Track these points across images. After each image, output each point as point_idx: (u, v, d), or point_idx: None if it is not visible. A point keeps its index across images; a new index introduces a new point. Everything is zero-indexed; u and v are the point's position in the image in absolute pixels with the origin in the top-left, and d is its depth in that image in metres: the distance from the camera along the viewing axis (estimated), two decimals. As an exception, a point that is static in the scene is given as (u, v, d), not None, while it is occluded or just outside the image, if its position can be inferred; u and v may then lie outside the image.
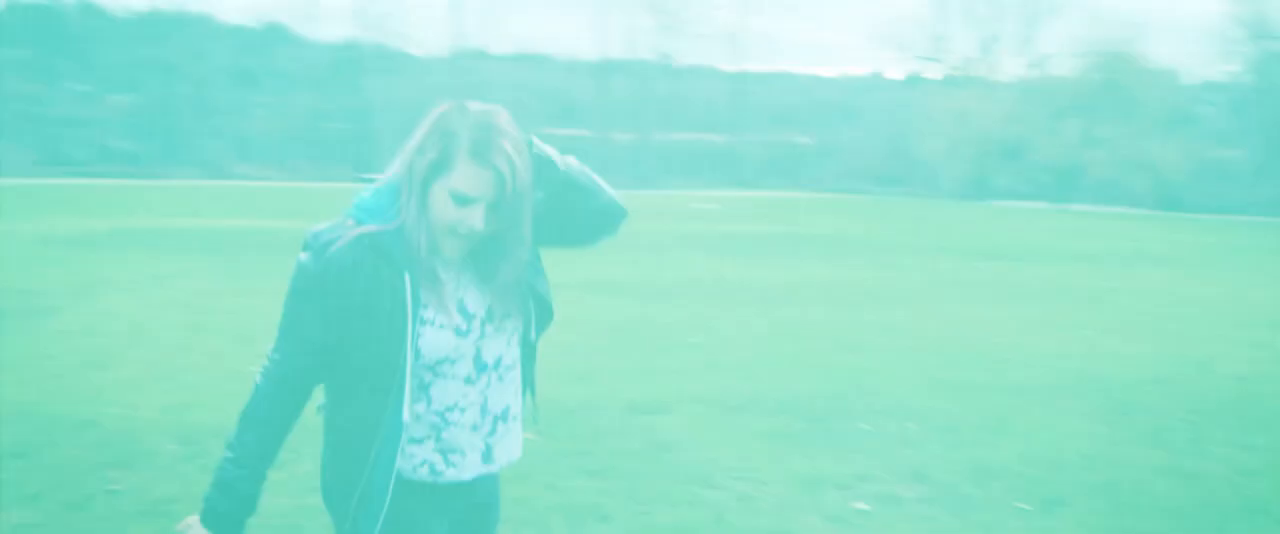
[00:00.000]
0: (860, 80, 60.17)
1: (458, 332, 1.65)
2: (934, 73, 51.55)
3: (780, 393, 5.88)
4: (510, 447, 1.79)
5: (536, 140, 1.66)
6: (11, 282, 9.70)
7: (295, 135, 49.86)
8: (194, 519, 1.65)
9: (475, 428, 1.71)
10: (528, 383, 1.85)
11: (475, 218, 1.56)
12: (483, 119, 1.56)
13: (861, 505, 4.01)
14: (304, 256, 1.60)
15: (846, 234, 21.16)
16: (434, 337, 1.62)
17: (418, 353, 1.61)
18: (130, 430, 4.72)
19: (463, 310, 1.66)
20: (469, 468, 1.73)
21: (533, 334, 1.78)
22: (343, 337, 1.60)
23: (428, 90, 51.88)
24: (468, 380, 1.68)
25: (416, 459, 1.69)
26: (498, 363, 1.72)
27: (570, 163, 1.71)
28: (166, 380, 5.81)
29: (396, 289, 1.57)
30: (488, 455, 1.74)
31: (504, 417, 1.75)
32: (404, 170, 1.60)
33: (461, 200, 1.55)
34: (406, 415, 1.62)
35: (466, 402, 1.69)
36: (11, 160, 43.66)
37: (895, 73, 59.46)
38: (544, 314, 1.78)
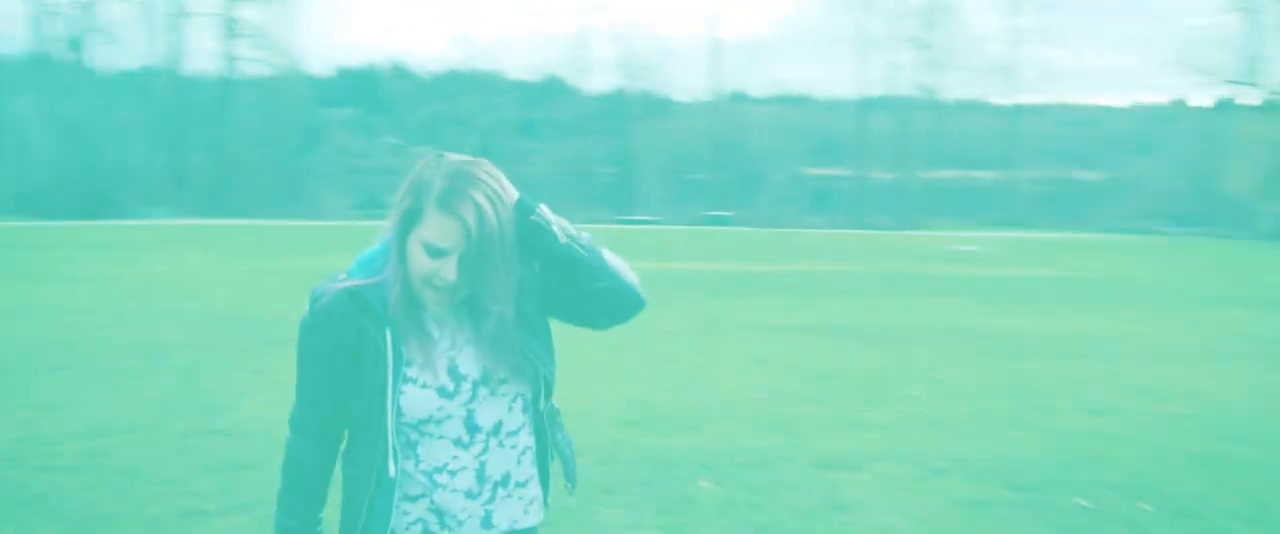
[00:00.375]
0: (1157, 109, 54.35)
1: (442, 392, 1.59)
2: (1249, 98, 45.42)
3: (993, 457, 5.32)
4: (514, 513, 1.71)
5: (544, 209, 1.60)
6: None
7: (566, 179, 53.13)
8: None
9: (471, 494, 1.65)
10: (552, 449, 1.77)
11: (448, 270, 1.51)
12: (455, 169, 1.52)
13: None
14: (305, 311, 1.62)
15: (1128, 279, 19.02)
16: (416, 395, 1.58)
17: (399, 410, 1.58)
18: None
19: (453, 371, 1.61)
20: (466, 533, 1.67)
21: (542, 402, 1.71)
22: (339, 389, 1.60)
23: (689, 134, 53.48)
24: (459, 443, 1.63)
25: (411, 517, 1.66)
26: (497, 428, 1.66)
27: (579, 237, 1.63)
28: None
29: (378, 344, 1.56)
30: (487, 522, 1.67)
31: (504, 483, 1.68)
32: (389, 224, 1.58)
33: (433, 252, 1.51)
34: (392, 471, 1.60)
35: (458, 465, 1.64)
36: (332, 206, 50.20)
37: (1202, 99, 53.05)
38: (542, 383, 1.70)
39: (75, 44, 45.15)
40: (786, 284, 16.51)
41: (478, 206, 1.49)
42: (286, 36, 52.07)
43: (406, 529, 1.66)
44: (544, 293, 1.66)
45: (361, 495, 1.63)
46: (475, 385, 1.62)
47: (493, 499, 1.67)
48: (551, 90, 59.28)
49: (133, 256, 19.68)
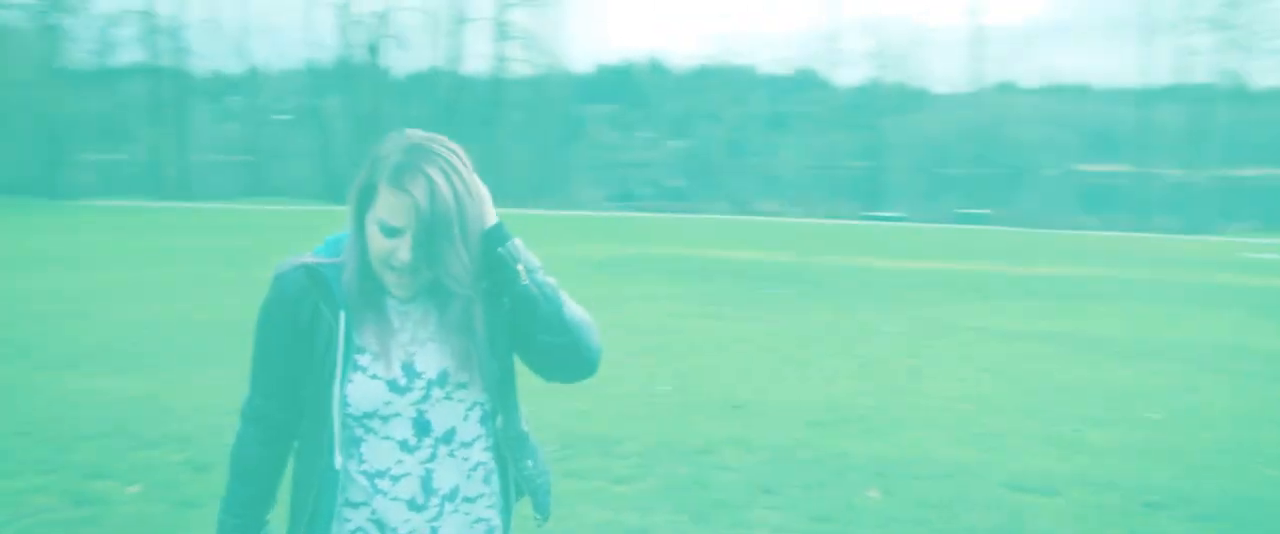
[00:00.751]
0: None
1: (392, 385, 1.48)
2: None
3: (1226, 493, 4.64)
4: (463, 530, 1.55)
5: (517, 244, 1.49)
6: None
7: (813, 173, 52.32)
8: None
9: (414, 506, 1.51)
10: (515, 479, 1.62)
11: (402, 249, 1.40)
12: (410, 144, 1.41)
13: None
14: (266, 291, 1.52)
15: None
16: (364, 385, 1.46)
17: (345, 400, 1.47)
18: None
19: (408, 366, 1.49)
20: None
21: (499, 420, 1.57)
22: (295, 375, 1.50)
23: (945, 126, 50.78)
24: (404, 446, 1.50)
25: (352, 524, 1.53)
26: (449, 435, 1.52)
27: (544, 284, 1.50)
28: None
29: (331, 327, 1.46)
30: None
31: (452, 497, 1.53)
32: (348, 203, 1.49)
33: (387, 230, 1.40)
34: (339, 463, 1.48)
35: (402, 471, 1.50)
36: (588, 197, 52.76)
37: None
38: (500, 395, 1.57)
39: (372, 49, 50.61)
40: (1039, 288, 15.26)
41: (430, 182, 1.38)
42: (551, 38, 55.07)
43: None
44: (511, 330, 1.53)
45: (307, 492, 1.51)
46: (430, 385, 1.50)
47: (439, 515, 1.52)
48: (802, 84, 58.57)
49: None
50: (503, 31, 53.70)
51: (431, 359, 1.50)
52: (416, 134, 1.45)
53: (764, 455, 5.05)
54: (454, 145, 1.45)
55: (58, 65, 39.72)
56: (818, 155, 52.72)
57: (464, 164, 1.44)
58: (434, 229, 1.39)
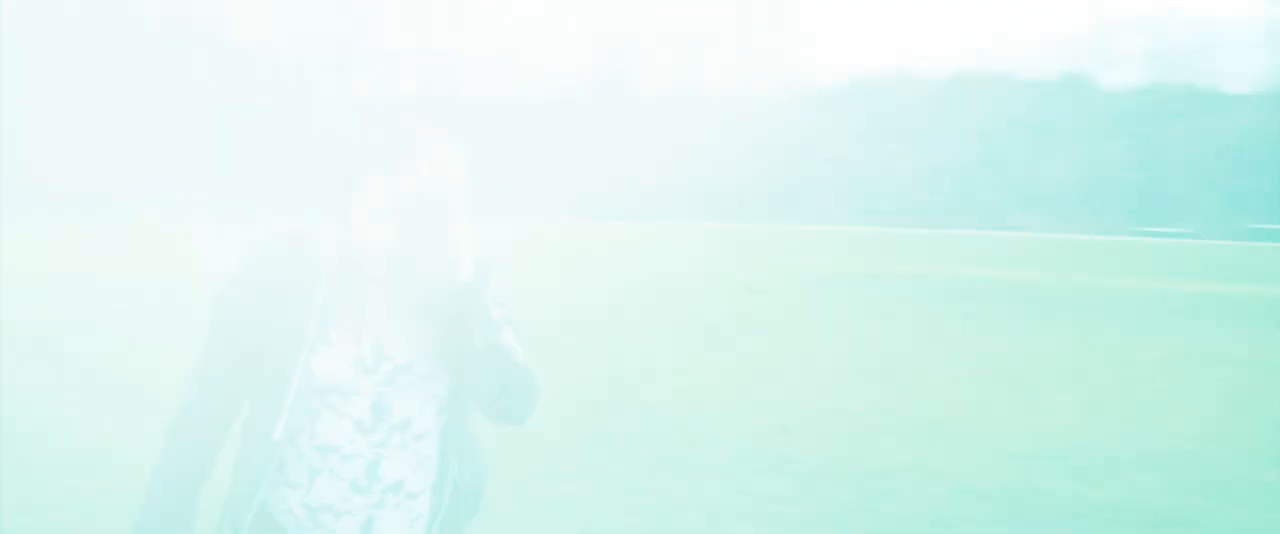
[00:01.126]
0: None
1: (358, 363, 1.48)
2: None
3: None
4: (398, 525, 1.52)
5: (497, 305, 1.52)
6: (727, 306, 11.70)
7: (1080, 185, 48.15)
8: None
9: (357, 487, 1.49)
10: (454, 464, 1.59)
11: (385, 233, 1.43)
12: (395, 130, 1.45)
13: None
14: (239, 259, 1.54)
15: None
16: (329, 359, 1.47)
17: (309, 370, 1.47)
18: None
19: (377, 347, 1.50)
20: (338, 533, 1.50)
21: (453, 418, 1.57)
22: (256, 341, 1.49)
23: (1241, 131, 44.81)
24: (359, 426, 1.49)
25: (289, 502, 1.51)
26: (405, 424, 1.51)
27: (498, 342, 1.49)
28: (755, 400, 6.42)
29: (308, 296, 1.47)
30: (367, 528, 1.50)
31: (396, 489, 1.51)
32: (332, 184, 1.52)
33: (374, 215, 1.43)
34: (278, 433, 1.46)
35: (352, 450, 1.49)
36: (829, 211, 51.86)
37: None
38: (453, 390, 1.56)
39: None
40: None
41: (416, 170, 1.41)
42: (789, 52, 54.56)
43: (282, 515, 1.52)
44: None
45: (249, 464, 1.51)
46: (396, 370, 1.50)
47: (381, 504, 1.51)
48: (1067, 88, 54.16)
49: (635, 253, 22.24)
50: (744, 48, 54.14)
51: (400, 344, 1.50)
52: (406, 119, 1.48)
53: (945, 486, 4.72)
54: (444, 133, 1.46)
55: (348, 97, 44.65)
56: (1085, 165, 48.47)
57: (453, 154, 1.45)
58: (421, 215, 1.41)
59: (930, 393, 7.14)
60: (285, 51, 44.83)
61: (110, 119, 38.39)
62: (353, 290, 1.49)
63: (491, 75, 51.13)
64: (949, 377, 7.85)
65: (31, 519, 3.77)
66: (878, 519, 4.20)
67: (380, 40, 47.10)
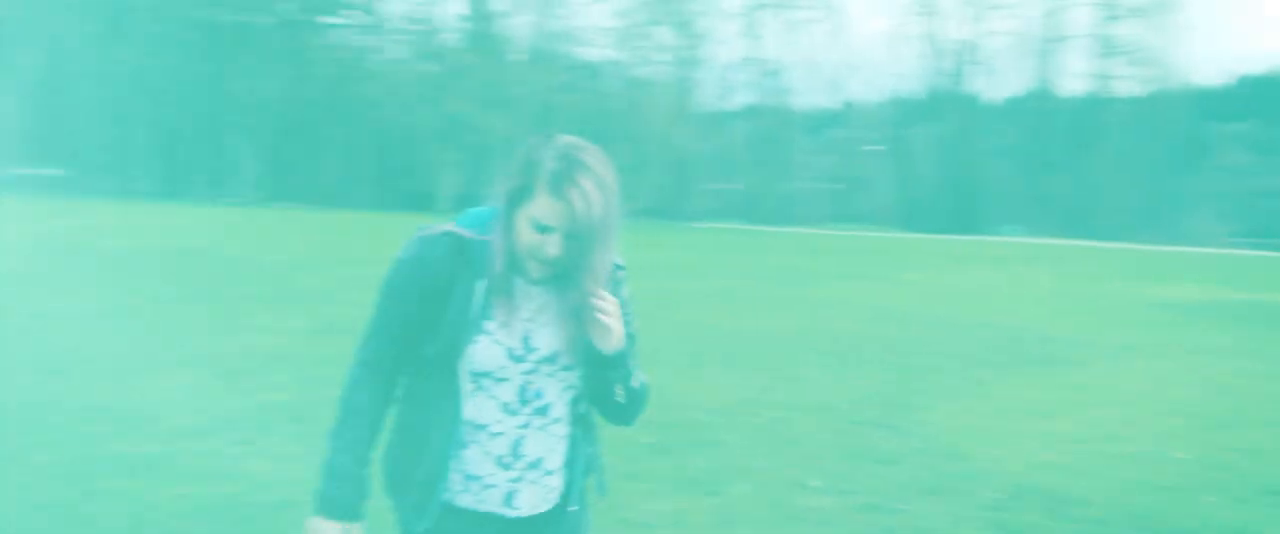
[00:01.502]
0: None
1: (510, 354, 1.69)
2: None
3: None
4: (536, 499, 1.75)
5: (624, 290, 1.79)
6: (1076, 331, 10.63)
7: None
8: (316, 521, 1.71)
9: (502, 462, 1.72)
10: (583, 455, 1.82)
11: (552, 245, 1.61)
12: (564, 152, 1.62)
13: None
14: (402, 250, 1.73)
15: None
16: (487, 347, 1.67)
17: (468, 358, 1.68)
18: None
19: (526, 340, 1.70)
20: (485, 501, 1.73)
21: (583, 404, 1.79)
22: (419, 329, 1.69)
23: None
24: (506, 408, 1.71)
25: (455, 467, 1.74)
26: (546, 409, 1.73)
27: (634, 386, 1.77)
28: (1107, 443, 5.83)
29: (469, 292, 1.67)
30: (509, 501, 1.73)
31: (536, 466, 1.74)
32: (498, 194, 1.70)
33: (540, 228, 1.61)
34: (467, 413, 1.70)
35: (499, 429, 1.71)
36: (1206, 231, 45.22)
37: None
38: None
39: (956, 77, 49.86)
40: None
41: (585, 192, 1.59)
42: (1168, 50, 48.16)
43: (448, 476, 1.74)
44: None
45: (425, 434, 1.72)
46: (540, 361, 1.71)
47: (521, 478, 1.73)
48: None
49: (967, 268, 21.02)
50: (1108, 47, 48.95)
51: (546, 338, 1.71)
52: (570, 140, 1.66)
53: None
54: (603, 155, 1.65)
55: (688, 110, 46.81)
56: None
57: (612, 175, 1.65)
58: (585, 233, 1.61)
59: (1274, 448, 6.07)
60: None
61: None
62: (509, 290, 1.70)
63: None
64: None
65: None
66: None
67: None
